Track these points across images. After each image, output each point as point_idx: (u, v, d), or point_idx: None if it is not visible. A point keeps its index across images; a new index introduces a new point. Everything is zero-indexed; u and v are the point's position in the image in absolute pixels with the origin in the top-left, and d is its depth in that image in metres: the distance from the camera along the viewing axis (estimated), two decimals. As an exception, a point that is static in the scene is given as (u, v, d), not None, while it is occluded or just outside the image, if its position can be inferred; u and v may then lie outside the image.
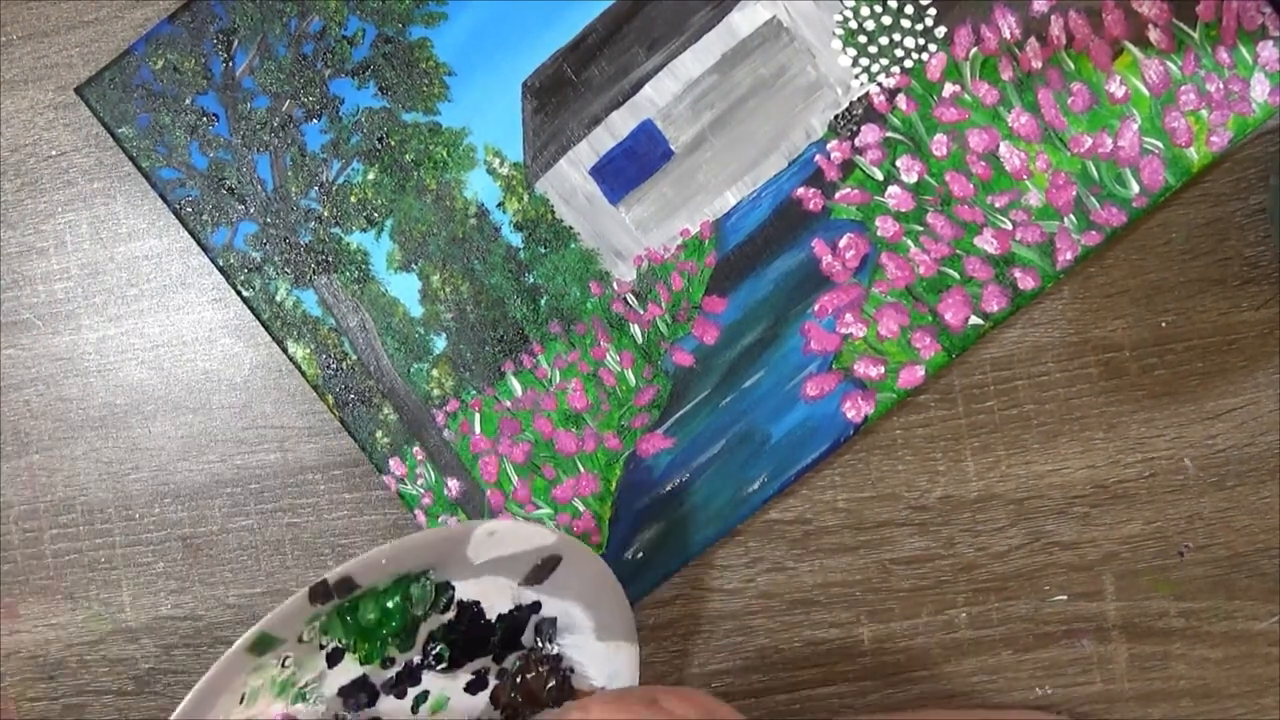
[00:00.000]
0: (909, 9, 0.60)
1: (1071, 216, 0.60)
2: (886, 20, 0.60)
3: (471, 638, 0.56)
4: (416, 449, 0.61)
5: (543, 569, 0.56)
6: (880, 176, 0.61)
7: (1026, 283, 0.60)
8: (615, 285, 0.61)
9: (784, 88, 0.61)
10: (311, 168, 0.60)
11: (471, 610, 0.56)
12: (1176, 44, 0.60)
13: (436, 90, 0.60)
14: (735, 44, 0.61)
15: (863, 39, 0.60)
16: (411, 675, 0.57)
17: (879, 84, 0.60)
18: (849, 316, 0.61)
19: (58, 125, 0.61)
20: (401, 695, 0.57)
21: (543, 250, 0.61)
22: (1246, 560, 0.61)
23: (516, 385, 0.61)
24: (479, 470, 0.61)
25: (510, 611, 0.57)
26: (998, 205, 0.60)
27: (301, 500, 0.62)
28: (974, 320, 0.60)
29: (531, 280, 0.61)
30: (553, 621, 0.57)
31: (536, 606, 0.57)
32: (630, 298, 0.61)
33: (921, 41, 0.60)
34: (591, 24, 0.60)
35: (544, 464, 0.61)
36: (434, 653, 0.56)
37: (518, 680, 0.57)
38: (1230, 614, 0.61)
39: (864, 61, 0.60)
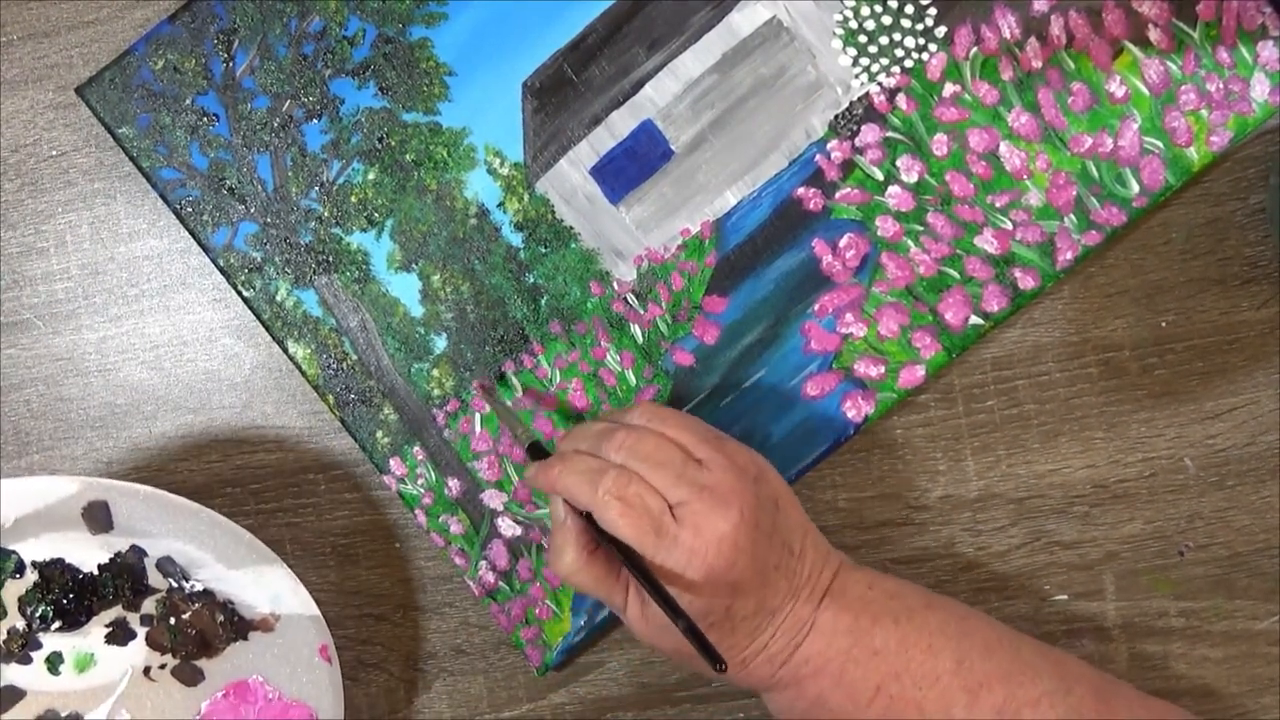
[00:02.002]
0: (909, 9, 0.60)
1: (1072, 216, 0.60)
2: (887, 20, 0.60)
3: (78, 593, 0.58)
4: (417, 449, 0.61)
5: (95, 515, 0.57)
6: (880, 176, 0.61)
7: (1027, 282, 0.60)
8: (615, 285, 0.61)
9: (784, 88, 0.61)
10: (312, 168, 0.60)
11: (58, 567, 0.58)
12: (1176, 44, 0.60)
13: (437, 90, 0.60)
14: (735, 44, 0.61)
15: (863, 39, 0.60)
16: (28, 641, 0.58)
17: (879, 84, 0.60)
18: (849, 316, 0.61)
19: (58, 125, 0.61)
20: (26, 661, 0.58)
21: (543, 250, 0.61)
22: (1246, 560, 0.61)
23: (517, 385, 0.61)
24: (479, 470, 0.61)
25: (112, 560, 0.58)
26: (998, 205, 0.60)
27: (302, 500, 0.62)
28: (974, 320, 0.60)
29: (532, 280, 0.61)
30: (169, 560, 0.58)
31: (140, 550, 0.58)
32: (630, 298, 0.61)
33: (921, 41, 0.60)
34: (591, 24, 0.60)
35: (544, 464, 0.61)
36: (37, 614, 0.58)
37: (172, 621, 0.58)
38: (1230, 613, 0.61)
39: (864, 61, 0.60)
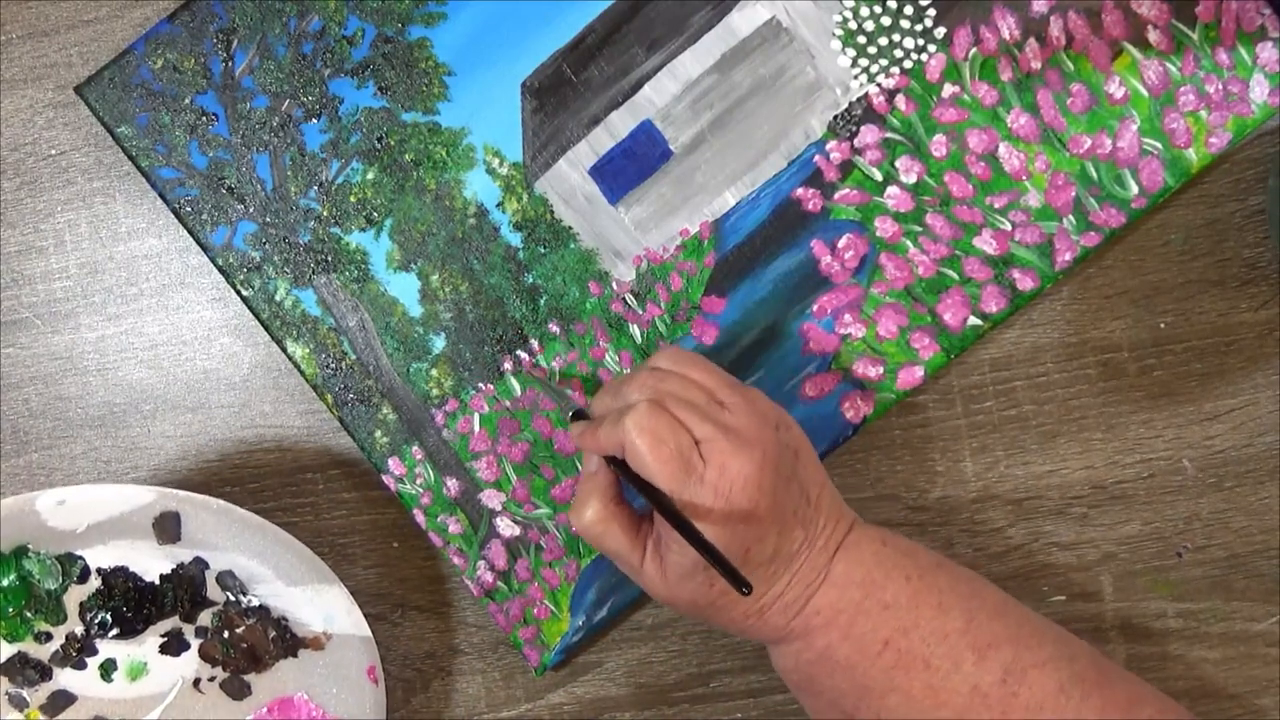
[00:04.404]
0: (908, 9, 0.60)
1: (1070, 217, 0.60)
2: (886, 21, 0.60)
3: (138, 602, 0.58)
4: (415, 448, 0.61)
5: (166, 525, 0.57)
6: (879, 177, 0.61)
7: (1025, 283, 0.60)
8: (614, 285, 0.61)
9: (783, 88, 0.61)
10: (311, 167, 0.60)
11: (122, 575, 0.58)
12: (1176, 45, 0.60)
13: (436, 90, 0.60)
14: (735, 44, 0.61)
15: (862, 39, 0.60)
16: (84, 646, 0.58)
17: (878, 84, 0.60)
18: (848, 317, 0.61)
19: (57, 124, 0.61)
20: (81, 666, 0.59)
21: (542, 250, 0.61)
22: (1245, 561, 0.61)
23: (515, 385, 0.61)
24: (478, 470, 0.61)
25: (174, 571, 0.58)
26: (997, 206, 0.60)
27: (300, 500, 0.62)
28: (973, 321, 0.60)
29: (530, 280, 0.61)
30: (230, 574, 0.58)
31: (203, 562, 0.58)
32: (629, 298, 0.61)
33: (921, 42, 0.60)
34: (591, 24, 0.60)
35: (543, 464, 0.61)
36: (96, 621, 0.58)
37: (225, 635, 0.59)
38: (1228, 615, 0.61)
39: (863, 62, 0.60)
